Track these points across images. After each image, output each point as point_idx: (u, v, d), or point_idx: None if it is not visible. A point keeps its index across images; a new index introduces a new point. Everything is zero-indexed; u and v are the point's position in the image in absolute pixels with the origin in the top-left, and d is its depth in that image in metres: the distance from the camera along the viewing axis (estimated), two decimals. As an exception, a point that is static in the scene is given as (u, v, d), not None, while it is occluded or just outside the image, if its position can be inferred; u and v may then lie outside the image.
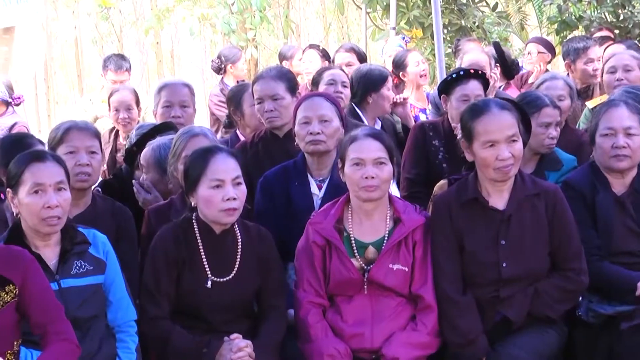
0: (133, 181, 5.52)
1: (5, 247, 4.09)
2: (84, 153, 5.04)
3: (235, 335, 4.57)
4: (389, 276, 4.68)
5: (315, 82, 7.06)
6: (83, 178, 5.01)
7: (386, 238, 4.73)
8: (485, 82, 6.02)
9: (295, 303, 4.78)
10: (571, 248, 4.76)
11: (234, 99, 6.72)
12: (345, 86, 6.88)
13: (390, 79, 7.29)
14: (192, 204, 4.68)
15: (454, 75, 6.02)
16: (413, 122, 7.40)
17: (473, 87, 5.91)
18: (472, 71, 6.07)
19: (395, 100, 7.34)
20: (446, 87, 6.02)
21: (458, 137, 4.85)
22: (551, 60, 9.19)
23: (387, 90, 7.17)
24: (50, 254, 4.41)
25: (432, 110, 7.71)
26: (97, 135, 5.20)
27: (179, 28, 16.56)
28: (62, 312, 4.10)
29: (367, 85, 6.98)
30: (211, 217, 4.64)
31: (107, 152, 7.38)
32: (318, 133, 5.19)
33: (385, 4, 12.63)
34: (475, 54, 7.40)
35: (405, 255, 4.70)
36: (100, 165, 5.20)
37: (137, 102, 7.67)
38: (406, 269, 4.70)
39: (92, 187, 5.23)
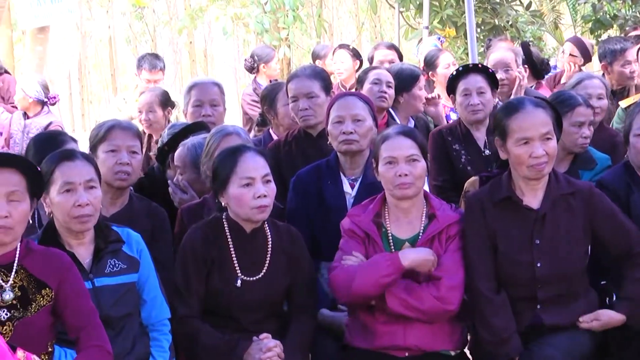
0: (169, 182, 5.53)
1: (44, 250, 4.09)
2: (125, 152, 5.08)
3: (264, 335, 4.56)
4: None
5: (360, 80, 7.04)
6: (123, 177, 5.04)
7: (421, 234, 4.71)
8: (490, 76, 6.14)
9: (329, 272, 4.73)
10: (631, 232, 4.70)
11: (268, 97, 6.73)
12: (389, 86, 6.85)
13: (422, 78, 7.26)
14: (223, 204, 4.68)
15: (454, 73, 6.19)
16: (445, 122, 7.38)
17: (474, 81, 6.08)
18: (470, 65, 6.22)
19: (428, 97, 7.31)
20: (452, 86, 6.16)
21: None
22: (584, 64, 9.09)
23: (419, 90, 7.13)
24: (84, 252, 4.42)
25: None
26: (138, 135, 5.24)
27: (212, 28, 16.65)
28: (97, 317, 4.10)
29: (398, 85, 6.95)
30: (243, 215, 4.64)
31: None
32: (351, 132, 5.19)
33: (418, 3, 12.61)
34: (500, 52, 7.44)
35: (438, 251, 4.68)
36: (140, 166, 5.24)
37: (164, 105, 7.66)
38: None
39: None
